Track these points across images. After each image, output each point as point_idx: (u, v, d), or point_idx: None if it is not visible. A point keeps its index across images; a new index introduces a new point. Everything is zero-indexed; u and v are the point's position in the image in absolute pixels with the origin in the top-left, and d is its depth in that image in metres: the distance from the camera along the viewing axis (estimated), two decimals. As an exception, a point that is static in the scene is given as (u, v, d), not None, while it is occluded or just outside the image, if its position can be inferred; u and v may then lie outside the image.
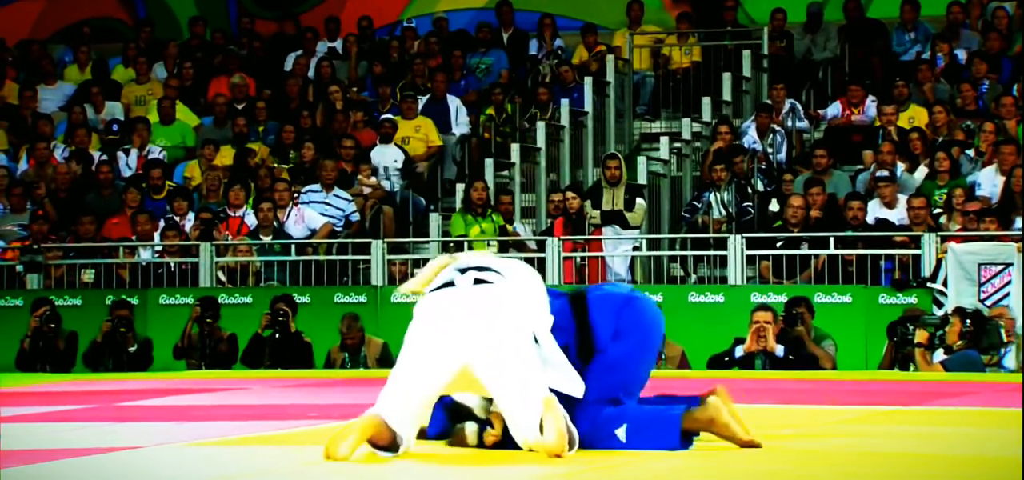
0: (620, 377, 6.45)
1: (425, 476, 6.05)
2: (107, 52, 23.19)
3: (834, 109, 20.05)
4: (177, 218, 18.41)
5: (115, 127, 20.87)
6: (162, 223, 18.36)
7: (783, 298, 15.11)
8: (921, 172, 17.86)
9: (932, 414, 9.14)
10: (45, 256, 18.18)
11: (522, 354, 6.26)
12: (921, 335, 13.69)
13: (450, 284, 6.40)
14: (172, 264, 17.91)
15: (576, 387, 6.37)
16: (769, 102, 19.99)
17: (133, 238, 18.37)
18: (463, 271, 6.43)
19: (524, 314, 6.34)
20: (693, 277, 17.39)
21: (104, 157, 20.14)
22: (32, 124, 21.09)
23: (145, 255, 18.20)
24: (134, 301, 17.06)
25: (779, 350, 13.80)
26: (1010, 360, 13.86)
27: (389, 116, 20.14)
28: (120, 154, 20.39)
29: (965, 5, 20.75)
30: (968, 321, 13.83)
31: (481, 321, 6.25)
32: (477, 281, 6.36)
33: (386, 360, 15.82)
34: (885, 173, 17.47)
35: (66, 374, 15.52)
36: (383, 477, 5.95)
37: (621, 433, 6.37)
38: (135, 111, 21.53)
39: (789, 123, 19.68)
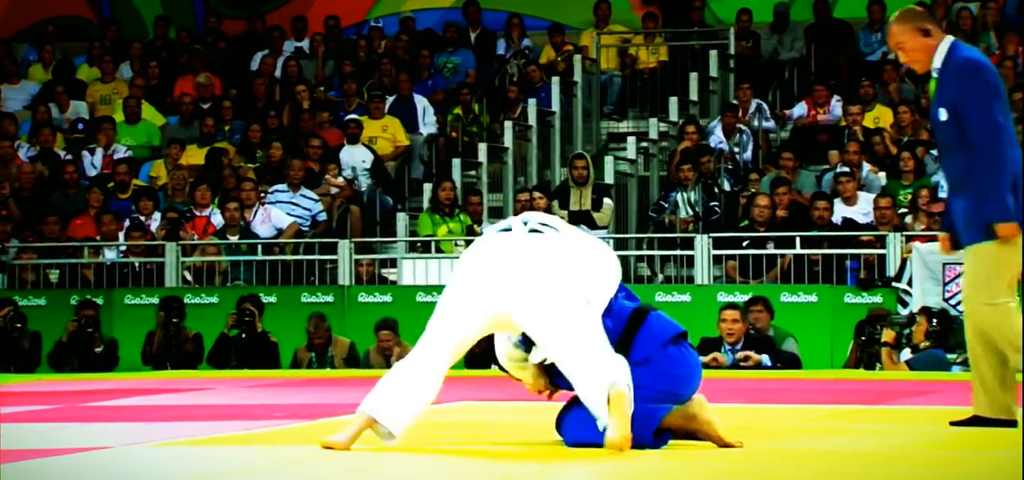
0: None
1: (405, 471, 6.04)
2: (72, 51, 23.07)
3: (800, 109, 20.11)
4: (143, 218, 18.34)
5: (80, 126, 20.77)
6: (127, 223, 18.29)
7: (748, 297, 15.17)
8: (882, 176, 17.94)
9: (899, 413, 9.18)
10: (9, 256, 18.09)
11: (570, 308, 6.22)
12: (888, 334, 13.75)
13: (508, 230, 6.43)
14: (137, 264, 17.84)
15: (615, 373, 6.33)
16: (735, 102, 20.04)
17: (98, 238, 18.29)
18: (525, 222, 6.44)
19: (573, 272, 6.30)
20: (660, 276, 17.41)
21: (69, 157, 20.05)
22: (-4, 123, 20.97)
23: (110, 255, 18.12)
24: (99, 301, 16.98)
25: (765, 359, 13.90)
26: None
27: (354, 116, 20.10)
28: (85, 153, 20.29)
29: (930, 6, 20.81)
30: (934, 320, 13.89)
31: (522, 268, 6.24)
32: (532, 230, 6.35)
33: (353, 360, 15.80)
34: (846, 169, 17.53)
35: (31, 374, 15.45)
36: (359, 472, 5.93)
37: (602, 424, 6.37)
38: (100, 110, 21.43)
39: (755, 123, 19.73)
